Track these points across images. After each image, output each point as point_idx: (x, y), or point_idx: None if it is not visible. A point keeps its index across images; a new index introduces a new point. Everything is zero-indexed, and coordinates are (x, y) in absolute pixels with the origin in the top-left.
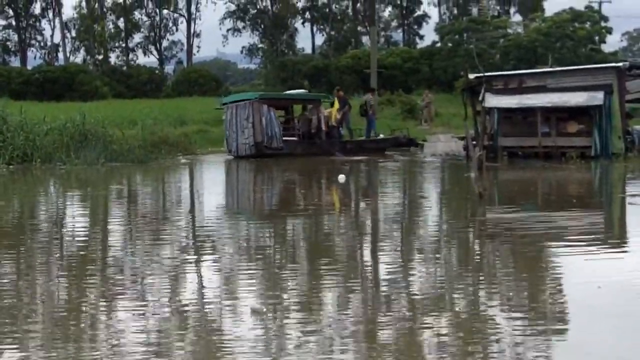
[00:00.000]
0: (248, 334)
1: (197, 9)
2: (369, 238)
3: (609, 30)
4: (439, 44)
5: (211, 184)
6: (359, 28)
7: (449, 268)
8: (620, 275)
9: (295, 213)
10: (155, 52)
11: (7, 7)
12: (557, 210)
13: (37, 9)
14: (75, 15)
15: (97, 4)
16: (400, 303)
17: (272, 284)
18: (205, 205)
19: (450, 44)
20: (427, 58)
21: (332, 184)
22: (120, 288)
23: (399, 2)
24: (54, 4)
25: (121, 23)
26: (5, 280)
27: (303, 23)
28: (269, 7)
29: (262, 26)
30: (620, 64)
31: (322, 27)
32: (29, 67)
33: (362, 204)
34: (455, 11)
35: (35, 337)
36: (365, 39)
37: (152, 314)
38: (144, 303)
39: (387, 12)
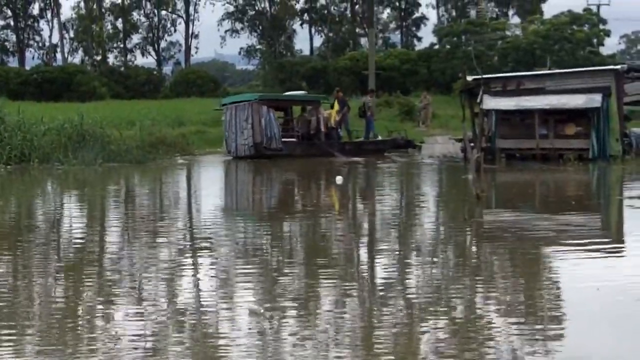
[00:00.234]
0: (246, 336)
1: (195, 10)
2: (366, 240)
3: (607, 33)
4: (437, 46)
5: (209, 185)
6: (357, 30)
7: (446, 270)
8: (618, 278)
9: (293, 214)
10: (153, 53)
11: (5, 8)
12: (555, 212)
13: (35, 9)
14: (74, 16)
15: (95, 5)
16: (396, 306)
17: (269, 286)
18: (204, 205)
19: (448, 46)
20: (425, 60)
21: (330, 185)
22: (117, 290)
23: (397, 4)
24: (52, 4)
25: (119, 24)
26: (1, 280)
27: (301, 24)
28: (267, 9)
29: (261, 27)
30: (618, 67)
31: (320, 28)
32: (27, 68)
33: (360, 206)
34: (454, 13)
35: (31, 340)
36: (363, 41)
37: (149, 316)
38: (140, 305)
39: (385, 13)
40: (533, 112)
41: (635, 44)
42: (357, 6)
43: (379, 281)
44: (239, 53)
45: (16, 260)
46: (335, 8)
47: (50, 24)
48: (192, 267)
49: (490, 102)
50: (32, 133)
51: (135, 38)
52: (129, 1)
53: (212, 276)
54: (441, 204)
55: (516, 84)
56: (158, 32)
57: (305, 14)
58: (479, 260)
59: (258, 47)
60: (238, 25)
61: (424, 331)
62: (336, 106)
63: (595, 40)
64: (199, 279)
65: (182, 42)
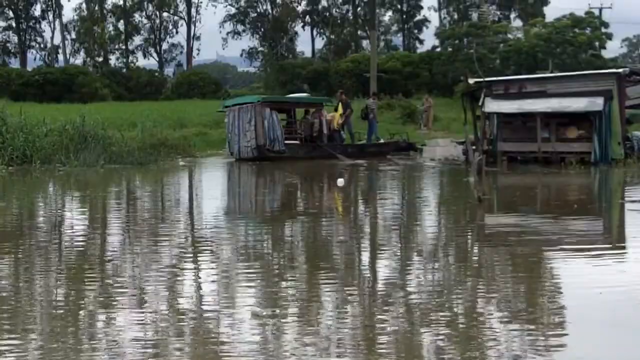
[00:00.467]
0: (248, 338)
1: (197, 12)
2: (367, 243)
3: (609, 36)
4: (439, 49)
5: (213, 187)
6: (359, 32)
7: (447, 273)
8: (621, 281)
9: (295, 217)
10: (155, 55)
11: (7, 9)
12: (556, 216)
13: (37, 10)
14: (76, 17)
15: (97, 6)
16: (397, 310)
17: (272, 288)
18: (207, 208)
19: (450, 49)
20: (427, 63)
21: (332, 188)
22: (118, 292)
23: (399, 7)
24: (54, 5)
25: (121, 25)
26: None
27: (303, 27)
28: (269, 11)
29: (262, 29)
30: (620, 70)
31: (322, 30)
32: (29, 69)
33: (362, 208)
34: (456, 16)
35: (33, 339)
36: (365, 43)
37: (151, 319)
38: (141, 308)
39: (387, 16)
40: (535, 115)
41: (637, 47)
42: (359, 8)
43: (380, 285)
44: (241, 55)
45: (17, 261)
46: (337, 10)
47: (52, 25)
48: (194, 269)
49: (492, 105)
50: (34, 134)
51: (137, 40)
52: (130, 3)
53: (212, 280)
54: (442, 207)
55: (518, 87)
56: (160, 34)
57: (307, 16)
58: (479, 264)
59: (260, 49)
60: (240, 27)
61: (426, 335)
62: (340, 109)
63: (597, 44)
64: (200, 281)
65: (184, 43)
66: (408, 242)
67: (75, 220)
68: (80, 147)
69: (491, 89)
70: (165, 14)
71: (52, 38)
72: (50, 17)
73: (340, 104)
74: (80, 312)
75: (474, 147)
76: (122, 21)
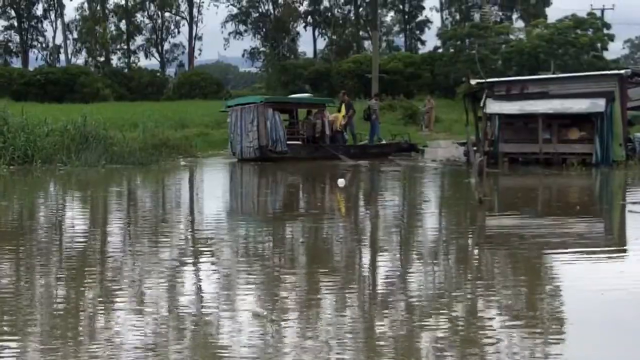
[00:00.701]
0: (248, 338)
1: (199, 12)
2: (368, 244)
3: (612, 38)
4: (440, 50)
5: (214, 187)
6: (361, 33)
7: (448, 275)
8: (623, 282)
9: (296, 217)
10: (156, 55)
11: (9, 8)
12: (558, 217)
13: (39, 10)
14: (77, 17)
15: (99, 6)
16: (397, 311)
17: (273, 288)
18: (209, 208)
19: (452, 50)
20: (428, 63)
21: (334, 188)
22: (118, 292)
23: (401, 7)
24: (55, 5)
25: (123, 25)
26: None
27: (305, 27)
28: (271, 11)
29: (264, 30)
30: (622, 72)
31: (324, 31)
32: (31, 69)
33: (363, 209)
34: (458, 17)
35: (33, 338)
36: (367, 44)
37: (151, 318)
38: (142, 308)
39: (389, 17)
40: (536, 116)
41: (639, 48)
42: (360, 9)
43: (380, 286)
44: (243, 55)
45: (18, 261)
46: (339, 11)
47: (53, 25)
48: (195, 269)
49: (494, 106)
50: (35, 134)
51: (139, 40)
52: (132, 2)
53: (213, 280)
54: (444, 208)
55: (520, 88)
56: (161, 34)
57: (309, 17)
58: (480, 265)
59: (261, 49)
60: (242, 28)
61: (426, 337)
62: (343, 110)
63: (599, 45)
64: (201, 281)
65: (186, 44)
66: (409, 243)
67: (75, 220)
68: (81, 147)
69: (493, 90)
70: (167, 14)
71: (53, 38)
72: (52, 16)
73: (342, 104)
74: (80, 312)
75: (475, 149)
76: (124, 21)
